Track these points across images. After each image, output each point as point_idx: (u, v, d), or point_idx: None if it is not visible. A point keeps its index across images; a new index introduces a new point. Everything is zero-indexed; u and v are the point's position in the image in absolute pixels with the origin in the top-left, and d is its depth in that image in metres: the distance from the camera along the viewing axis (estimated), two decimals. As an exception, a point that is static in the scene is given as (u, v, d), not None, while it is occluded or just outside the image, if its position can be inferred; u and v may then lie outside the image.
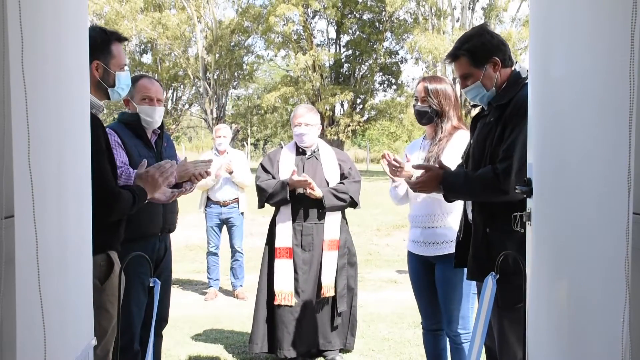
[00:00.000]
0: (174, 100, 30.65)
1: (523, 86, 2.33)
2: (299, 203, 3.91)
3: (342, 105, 29.36)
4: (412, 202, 3.14)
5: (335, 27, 29.41)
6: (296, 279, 3.93)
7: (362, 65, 28.96)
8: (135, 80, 3.09)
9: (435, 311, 3.11)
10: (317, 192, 3.84)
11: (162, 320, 3.19)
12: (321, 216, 3.94)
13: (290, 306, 3.90)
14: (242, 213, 6.18)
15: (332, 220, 3.97)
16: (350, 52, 29.39)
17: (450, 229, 2.97)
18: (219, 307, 5.81)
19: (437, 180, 2.50)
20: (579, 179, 1.52)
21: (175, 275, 5.34)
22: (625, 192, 1.18)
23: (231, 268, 6.26)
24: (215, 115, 28.06)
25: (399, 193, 3.22)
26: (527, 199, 1.99)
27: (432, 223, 3.03)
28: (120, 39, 2.47)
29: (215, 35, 28.03)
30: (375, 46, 28.49)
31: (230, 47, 28.79)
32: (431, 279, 3.07)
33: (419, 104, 3.06)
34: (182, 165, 3.00)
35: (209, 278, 6.27)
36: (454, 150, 2.93)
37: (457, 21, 25.90)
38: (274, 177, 3.99)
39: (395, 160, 2.98)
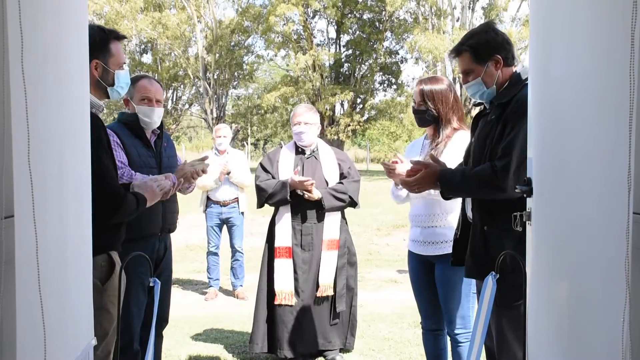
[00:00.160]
0: (174, 100, 30.64)
1: (525, 85, 2.33)
2: (299, 203, 3.91)
3: (342, 105, 29.37)
4: (413, 201, 3.14)
5: (335, 27, 29.40)
6: (296, 279, 3.93)
7: (362, 65, 28.95)
8: (135, 80, 3.10)
9: (435, 311, 3.11)
10: (315, 194, 3.84)
11: (163, 320, 3.20)
12: (321, 217, 3.94)
13: (291, 306, 3.90)
14: (242, 213, 6.18)
15: (332, 220, 3.97)
16: (350, 51, 29.38)
17: (450, 228, 2.96)
18: (219, 307, 5.81)
19: (434, 177, 2.50)
20: (579, 178, 1.51)
21: (175, 275, 5.34)
22: (626, 191, 1.18)
23: (231, 268, 6.26)
24: (215, 115, 28.06)
25: (401, 193, 3.21)
26: (527, 199, 1.99)
27: (432, 222, 3.03)
28: (119, 37, 2.46)
29: (215, 35, 28.02)
30: (375, 46, 28.47)
31: (231, 47, 28.78)
32: (431, 279, 3.07)
33: (416, 107, 3.06)
34: (181, 171, 3.02)
35: (209, 278, 6.28)
36: (454, 151, 2.92)
37: (457, 21, 25.89)
38: (273, 177, 4.00)
39: (386, 163, 2.96)
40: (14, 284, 1.32)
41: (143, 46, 30.44)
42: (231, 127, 22.64)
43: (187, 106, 31.86)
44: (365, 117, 29.35)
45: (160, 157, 3.17)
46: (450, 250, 2.85)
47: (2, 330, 1.29)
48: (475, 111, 19.03)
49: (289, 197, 3.85)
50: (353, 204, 4.02)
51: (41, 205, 1.45)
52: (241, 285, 6.21)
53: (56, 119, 1.67)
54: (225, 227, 6.22)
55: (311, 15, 29.11)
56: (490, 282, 2.07)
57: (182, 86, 31.03)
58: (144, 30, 26.71)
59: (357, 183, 4.06)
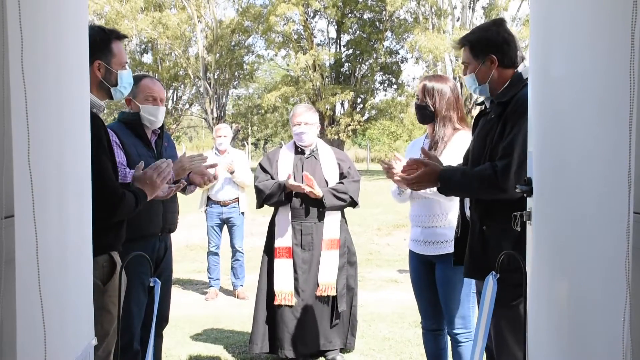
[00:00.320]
0: (175, 99, 30.63)
1: (525, 84, 2.33)
2: (299, 202, 3.91)
3: (342, 104, 29.35)
4: (413, 201, 3.14)
5: (336, 27, 29.39)
6: (296, 279, 3.93)
7: (363, 65, 28.94)
8: (137, 79, 3.09)
9: (436, 311, 3.11)
10: (318, 192, 3.84)
11: (163, 320, 3.20)
12: (321, 216, 3.94)
13: (291, 306, 3.90)
14: (242, 213, 6.18)
15: (332, 219, 3.97)
16: (350, 51, 29.37)
17: (451, 228, 2.96)
18: (219, 306, 5.81)
19: (433, 175, 2.50)
20: (579, 178, 1.51)
21: (175, 275, 5.34)
22: (626, 191, 1.18)
23: (232, 268, 6.26)
24: (215, 115, 28.06)
25: (399, 192, 3.21)
26: (528, 199, 1.99)
27: (432, 222, 3.03)
28: (120, 36, 2.45)
29: (215, 34, 28.02)
30: (375, 46, 28.46)
31: (231, 47, 28.78)
32: (431, 279, 3.07)
33: (417, 102, 3.07)
34: (179, 163, 3.01)
35: (209, 278, 6.28)
36: (455, 151, 2.92)
37: (458, 20, 25.89)
38: (272, 177, 4.00)
39: (385, 162, 2.97)
40: (14, 284, 1.32)
41: (143, 46, 30.44)
42: (231, 127, 22.59)
43: (187, 106, 31.86)
44: (365, 117, 29.34)
45: (161, 157, 3.16)
46: (450, 250, 2.85)
47: (2, 330, 1.29)
48: (475, 111, 19.02)
49: (284, 199, 3.85)
50: (353, 203, 4.02)
51: (41, 205, 1.45)
52: (241, 285, 6.22)
53: (56, 119, 1.67)
54: (225, 227, 6.22)
55: (311, 15, 29.10)
56: (490, 282, 2.07)
57: (182, 86, 31.03)
58: (144, 30, 26.71)
59: (357, 183, 4.05)
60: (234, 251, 6.22)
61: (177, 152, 3.42)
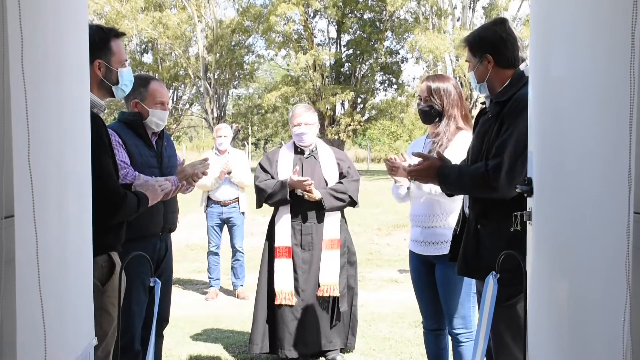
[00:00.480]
0: (175, 99, 30.62)
1: (524, 84, 2.34)
2: (299, 203, 3.91)
3: (342, 104, 29.35)
4: (413, 201, 3.14)
5: (336, 27, 29.38)
6: (296, 279, 3.93)
7: (363, 65, 28.93)
8: (145, 82, 3.09)
9: (436, 311, 3.11)
10: (315, 195, 3.84)
11: (163, 320, 3.20)
12: (321, 217, 3.94)
13: (291, 306, 3.90)
14: (242, 213, 6.18)
15: (332, 219, 3.97)
16: (350, 51, 29.36)
17: (451, 228, 2.96)
18: (219, 306, 5.81)
19: (433, 170, 2.51)
20: (579, 178, 1.51)
21: (176, 274, 5.34)
22: (626, 191, 1.18)
23: (232, 268, 6.26)
24: (215, 115, 28.06)
25: (401, 192, 3.21)
26: (528, 199, 1.99)
27: (432, 223, 3.03)
28: (118, 34, 2.45)
29: (215, 34, 28.02)
30: (375, 45, 28.45)
31: (231, 47, 28.77)
32: (432, 279, 3.07)
33: (422, 103, 3.06)
34: (181, 172, 3.02)
35: (209, 278, 6.28)
36: (457, 151, 2.92)
37: (458, 20, 25.88)
38: (272, 177, 3.99)
39: (389, 160, 2.98)
40: (14, 284, 1.32)
41: (144, 46, 30.44)
42: (232, 127, 22.61)
43: (187, 106, 31.88)
44: (365, 117, 29.34)
45: (162, 157, 3.17)
46: (450, 250, 2.86)
47: (2, 330, 1.29)
48: (476, 110, 19.01)
49: (288, 197, 3.85)
50: (353, 203, 4.01)
51: (41, 205, 1.45)
52: (242, 285, 6.21)
53: (56, 119, 1.67)
54: (225, 227, 6.22)
55: (312, 15, 29.09)
56: (491, 282, 2.07)
57: (182, 86, 31.04)
58: (144, 30, 26.71)
59: (357, 182, 4.05)
60: (234, 251, 6.22)
61: (177, 152, 3.43)
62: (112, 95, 2.41)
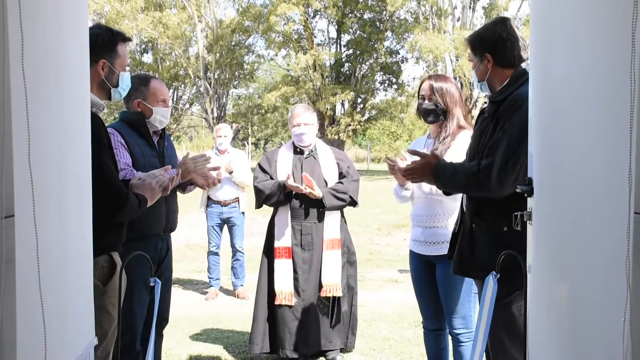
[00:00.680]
0: (175, 99, 30.63)
1: (522, 83, 2.34)
2: (299, 203, 3.91)
3: (342, 104, 29.36)
4: (414, 201, 3.14)
5: (336, 27, 29.39)
6: (296, 279, 3.93)
7: (363, 65, 28.94)
8: (145, 81, 3.10)
9: (437, 311, 3.11)
10: (317, 192, 3.84)
11: (163, 320, 3.20)
12: (321, 216, 3.94)
13: (291, 306, 3.89)
14: (242, 213, 6.18)
15: (332, 219, 3.97)
16: (350, 51, 29.37)
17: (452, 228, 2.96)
18: (219, 306, 5.81)
19: (429, 168, 2.51)
20: (579, 178, 1.51)
21: (176, 274, 5.35)
22: (626, 191, 1.18)
23: (232, 267, 6.26)
24: (215, 115, 28.07)
25: (404, 194, 3.21)
26: (528, 199, 1.99)
27: (433, 223, 3.03)
28: (126, 39, 2.49)
29: (215, 34, 28.02)
30: (375, 45, 28.46)
31: (231, 47, 28.78)
32: (432, 279, 3.07)
33: (425, 102, 3.06)
34: (183, 165, 3.02)
35: (209, 277, 6.28)
36: (458, 150, 2.93)
37: (458, 20, 25.89)
38: (272, 177, 3.99)
39: (389, 159, 2.98)
40: (14, 284, 1.32)
41: (144, 46, 30.45)
42: (232, 127, 22.60)
43: (187, 106, 31.89)
44: (365, 117, 29.35)
45: (163, 156, 3.18)
46: (451, 250, 2.86)
47: (2, 330, 1.29)
48: (476, 110, 19.00)
49: (283, 199, 3.85)
50: (353, 203, 4.01)
51: (41, 205, 1.45)
52: (242, 285, 6.21)
53: (56, 119, 1.67)
54: (225, 227, 6.22)
55: (312, 14, 29.10)
56: (491, 282, 2.07)
57: (182, 86, 31.05)
58: (144, 29, 26.71)
59: (357, 182, 4.05)
60: (234, 251, 6.22)
61: (177, 152, 3.42)
62: (109, 98, 2.43)
